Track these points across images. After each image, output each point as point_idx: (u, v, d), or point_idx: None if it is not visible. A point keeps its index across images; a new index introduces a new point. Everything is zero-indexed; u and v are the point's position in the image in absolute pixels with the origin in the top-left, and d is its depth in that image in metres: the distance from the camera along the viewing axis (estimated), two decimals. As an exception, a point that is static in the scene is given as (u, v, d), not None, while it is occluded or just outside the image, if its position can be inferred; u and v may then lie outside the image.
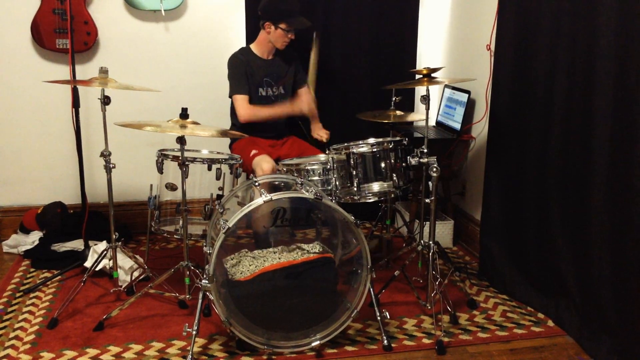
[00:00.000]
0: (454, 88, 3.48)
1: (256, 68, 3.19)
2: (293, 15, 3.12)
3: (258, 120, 3.14)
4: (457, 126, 3.33)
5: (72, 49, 3.02)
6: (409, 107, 3.81)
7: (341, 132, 3.33)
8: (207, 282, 2.15)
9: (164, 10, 3.38)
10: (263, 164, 2.92)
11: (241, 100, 3.14)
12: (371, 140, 2.67)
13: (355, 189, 2.65)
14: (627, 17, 2.08)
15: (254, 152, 3.03)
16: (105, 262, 2.85)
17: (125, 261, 2.85)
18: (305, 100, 3.25)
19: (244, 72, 3.15)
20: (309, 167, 2.70)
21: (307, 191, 2.32)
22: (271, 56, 3.26)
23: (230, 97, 3.19)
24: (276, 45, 3.19)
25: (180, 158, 2.39)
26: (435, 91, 3.79)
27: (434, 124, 3.67)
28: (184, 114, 2.33)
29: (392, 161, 2.68)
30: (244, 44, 3.43)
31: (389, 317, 2.43)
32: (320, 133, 3.33)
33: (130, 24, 3.43)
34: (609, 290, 2.24)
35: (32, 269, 3.08)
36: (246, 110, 3.13)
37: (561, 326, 2.52)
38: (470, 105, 3.36)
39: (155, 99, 3.43)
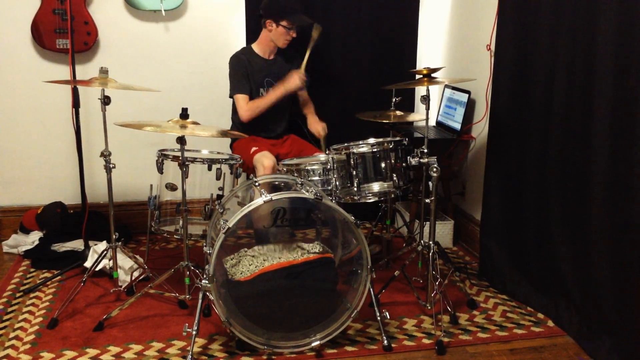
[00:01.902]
0: (454, 88, 3.48)
1: (257, 68, 3.19)
2: (295, 12, 3.12)
3: (260, 113, 3.11)
4: (457, 126, 3.33)
5: (72, 49, 3.02)
6: (409, 107, 3.81)
7: (341, 132, 3.32)
8: (207, 282, 2.15)
9: (164, 10, 3.38)
10: (264, 160, 2.91)
11: (242, 99, 3.13)
12: (371, 141, 2.67)
13: (355, 189, 2.65)
14: (627, 17, 2.08)
15: (254, 149, 3.02)
16: (105, 262, 2.85)
17: (125, 261, 2.85)
18: (295, 75, 3.14)
19: (245, 72, 3.14)
20: (309, 167, 2.69)
21: (307, 191, 2.32)
22: (272, 56, 3.26)
23: (230, 97, 3.19)
24: (278, 44, 3.19)
25: (180, 158, 2.39)
26: (435, 91, 3.79)
27: (434, 124, 3.66)
28: (184, 114, 2.33)
29: (392, 161, 2.67)
30: (244, 44, 3.43)
31: (389, 317, 2.43)
32: (317, 127, 3.26)
33: (130, 24, 3.43)
34: (609, 290, 2.24)
35: (32, 269, 3.08)
36: (247, 108, 3.12)
37: (561, 326, 2.52)
38: (470, 106, 3.36)
39: (155, 99, 3.43)
